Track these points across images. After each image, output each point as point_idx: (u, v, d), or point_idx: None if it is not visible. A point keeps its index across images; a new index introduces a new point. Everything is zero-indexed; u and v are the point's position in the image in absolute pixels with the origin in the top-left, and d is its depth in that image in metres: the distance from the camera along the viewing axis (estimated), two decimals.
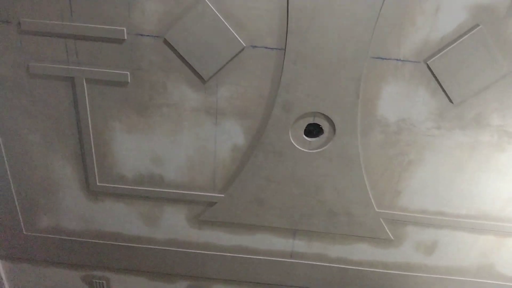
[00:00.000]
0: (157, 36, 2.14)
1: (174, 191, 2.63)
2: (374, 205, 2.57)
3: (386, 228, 2.66)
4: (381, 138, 2.35)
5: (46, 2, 2.08)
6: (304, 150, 2.40)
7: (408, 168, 2.45)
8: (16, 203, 2.76)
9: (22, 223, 2.85)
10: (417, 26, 2.05)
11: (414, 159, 2.42)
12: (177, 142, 2.46)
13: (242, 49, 2.15)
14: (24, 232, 2.89)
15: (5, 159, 2.57)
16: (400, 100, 2.23)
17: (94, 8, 2.08)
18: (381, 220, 2.63)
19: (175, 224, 2.79)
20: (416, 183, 2.51)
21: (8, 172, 2.62)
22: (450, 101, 2.23)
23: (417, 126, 2.31)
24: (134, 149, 2.49)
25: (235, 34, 2.10)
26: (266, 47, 2.14)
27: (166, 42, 2.15)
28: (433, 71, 2.15)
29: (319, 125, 2.34)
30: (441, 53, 2.10)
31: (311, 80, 2.18)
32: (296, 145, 2.38)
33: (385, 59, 2.13)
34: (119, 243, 2.88)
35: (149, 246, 2.88)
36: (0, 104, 2.39)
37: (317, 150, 2.39)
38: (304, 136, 2.37)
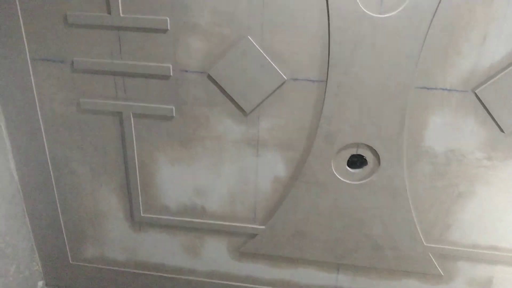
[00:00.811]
0: (201, 72, 2.20)
1: (215, 222, 2.63)
2: (423, 239, 2.46)
3: (435, 263, 2.53)
4: (428, 170, 2.28)
5: (98, 42, 2.21)
6: (347, 181, 2.35)
7: (458, 201, 2.35)
8: (64, 233, 2.85)
9: (68, 253, 2.93)
10: (463, 54, 2.00)
11: (464, 191, 2.32)
12: (219, 173, 2.49)
13: (284, 82, 2.17)
14: (71, 262, 2.96)
15: (55, 190, 2.68)
16: (447, 130, 2.17)
17: (142, 47, 2.18)
18: (430, 254, 2.51)
19: (216, 256, 2.78)
20: (467, 216, 2.39)
21: (58, 203, 2.73)
22: (501, 130, 2.14)
23: (467, 157, 2.22)
24: (178, 181, 2.53)
25: (277, 68, 2.13)
26: (307, 80, 2.16)
27: (209, 77, 2.20)
28: (482, 100, 2.08)
29: (363, 156, 2.30)
30: (490, 82, 2.03)
31: (354, 111, 2.16)
32: (339, 177, 2.35)
33: (431, 89, 2.08)
34: (161, 274, 2.90)
35: (191, 278, 2.88)
36: (52, 138, 2.52)
37: (361, 182, 2.34)
38: (347, 167, 2.34)
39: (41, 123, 2.47)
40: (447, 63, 2.02)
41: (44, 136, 2.51)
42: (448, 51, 2.00)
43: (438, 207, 2.38)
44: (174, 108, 2.31)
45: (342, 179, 2.35)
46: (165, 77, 2.24)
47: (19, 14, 2.18)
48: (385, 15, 1.94)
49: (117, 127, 2.42)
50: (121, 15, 2.11)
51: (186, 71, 2.22)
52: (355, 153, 2.29)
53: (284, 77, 2.15)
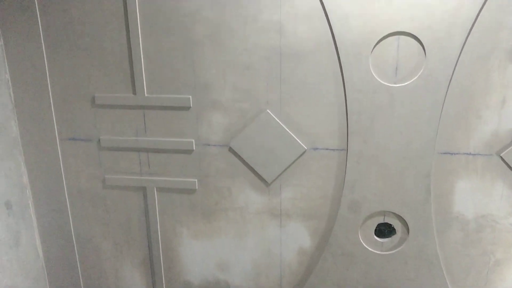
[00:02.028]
0: (222, 145, 2.25)
1: None
2: None
3: None
4: (460, 237, 2.18)
5: (123, 121, 2.30)
6: (376, 252, 2.26)
7: (496, 269, 2.21)
8: None
9: None
10: (484, 119, 1.99)
11: (502, 259, 2.19)
12: (242, 245, 2.44)
13: (304, 152, 2.19)
14: None
15: (78, 267, 2.66)
16: (476, 195, 2.10)
17: (166, 123, 2.26)
18: None
19: None
20: (508, 286, 2.24)
21: (81, 280, 2.69)
22: None
23: (500, 222, 2.13)
24: (201, 255, 2.49)
25: (297, 139, 2.16)
26: (327, 149, 2.17)
27: (231, 150, 2.25)
28: (508, 163, 2.03)
29: (391, 224, 2.23)
30: None
31: (377, 178, 2.14)
32: (367, 247, 2.26)
33: (454, 154, 2.06)
34: None
35: None
36: (77, 214, 2.55)
37: (390, 252, 2.25)
38: (375, 236, 2.26)
39: (67, 199, 2.52)
40: (469, 127, 2.02)
41: (69, 213, 2.55)
42: (468, 116, 2.00)
43: (475, 276, 2.25)
44: (197, 181, 2.34)
45: (370, 249, 2.26)
46: (188, 151, 2.29)
47: (50, 97, 2.32)
48: (401, 85, 1.98)
49: (140, 202, 2.45)
50: (146, 95, 2.22)
51: (208, 144, 2.27)
52: (382, 221, 2.23)
53: (304, 147, 2.17)
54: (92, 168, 2.44)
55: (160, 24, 2.11)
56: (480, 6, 1.82)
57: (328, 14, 1.95)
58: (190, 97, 2.19)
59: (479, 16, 1.85)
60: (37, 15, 2.20)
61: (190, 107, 2.21)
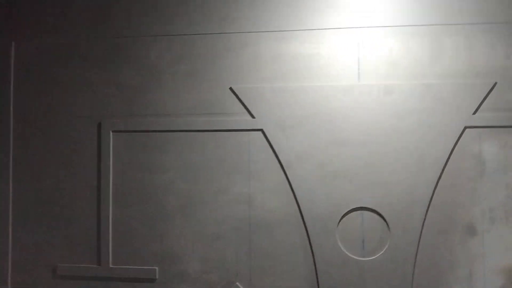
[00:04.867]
0: None
1: None
2: None
3: None
4: None
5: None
6: None
7: None
8: None
9: None
10: None
11: None
12: None
13: None
14: None
15: None
16: None
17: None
18: None
19: None
20: None
21: None
22: None
23: None
24: None
25: None
26: None
27: None
28: None
29: None
30: None
31: None
32: None
33: None
34: None
35: None
36: None
37: None
38: None
39: None
40: None
41: None
42: None
43: None
44: None
45: None
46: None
47: (9, 266, 2.20)
48: (369, 258, 1.99)
49: None
50: (111, 265, 2.14)
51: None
52: None
53: None
54: None
55: (132, 195, 2.16)
56: (433, 186, 1.97)
57: (294, 189, 2.05)
58: (156, 268, 2.12)
59: (434, 194, 1.98)
60: (9, 181, 2.23)
61: (156, 279, 2.12)
